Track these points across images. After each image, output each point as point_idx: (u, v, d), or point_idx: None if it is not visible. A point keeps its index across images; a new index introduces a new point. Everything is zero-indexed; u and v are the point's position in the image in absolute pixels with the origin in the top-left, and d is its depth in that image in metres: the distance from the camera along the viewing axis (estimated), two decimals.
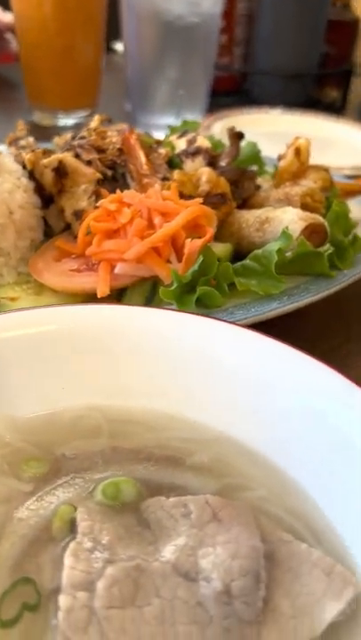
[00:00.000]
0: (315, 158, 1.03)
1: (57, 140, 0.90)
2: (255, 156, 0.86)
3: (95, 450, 0.41)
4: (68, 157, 0.68)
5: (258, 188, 0.77)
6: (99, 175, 0.68)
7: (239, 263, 0.60)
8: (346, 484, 0.37)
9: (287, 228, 0.60)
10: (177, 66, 1.13)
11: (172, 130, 0.93)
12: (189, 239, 0.57)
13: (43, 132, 1.17)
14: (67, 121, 1.28)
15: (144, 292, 0.61)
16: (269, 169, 0.85)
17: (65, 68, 1.21)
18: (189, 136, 0.78)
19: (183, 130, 0.83)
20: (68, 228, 0.72)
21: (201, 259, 0.55)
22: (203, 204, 0.66)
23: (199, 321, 0.44)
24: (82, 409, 0.44)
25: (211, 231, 0.57)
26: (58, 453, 0.41)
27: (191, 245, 0.56)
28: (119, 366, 0.44)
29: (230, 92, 1.48)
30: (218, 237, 0.68)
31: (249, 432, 0.42)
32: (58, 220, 0.72)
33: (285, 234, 0.57)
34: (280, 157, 0.74)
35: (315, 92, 1.50)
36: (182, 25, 1.09)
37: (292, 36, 1.36)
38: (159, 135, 1.14)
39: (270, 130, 1.19)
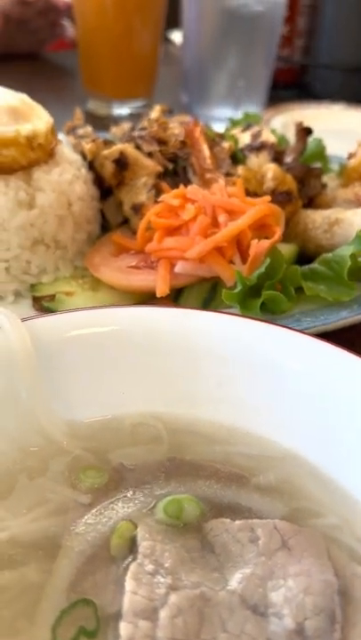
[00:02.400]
0: None
1: (115, 131, 0.88)
2: (321, 152, 0.82)
3: (155, 461, 0.39)
4: (129, 149, 0.66)
5: (324, 186, 0.73)
6: (160, 168, 0.66)
7: (307, 266, 0.56)
8: None
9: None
10: (238, 56, 1.10)
11: (234, 123, 0.89)
12: (256, 240, 0.54)
13: (97, 122, 1.16)
14: (121, 110, 1.26)
15: (203, 292, 0.58)
16: (334, 167, 0.81)
17: (122, 53, 1.19)
18: (254, 130, 0.74)
19: (246, 123, 0.80)
20: (125, 222, 0.70)
21: (268, 261, 0.52)
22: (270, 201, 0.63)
23: (267, 328, 0.41)
24: (142, 416, 0.41)
25: (279, 232, 0.54)
26: (116, 463, 0.38)
27: (258, 246, 0.53)
28: (183, 372, 0.42)
29: (289, 84, 1.44)
30: (283, 238, 0.64)
31: (318, 451, 0.39)
32: (116, 214, 0.70)
33: (359, 237, 0.54)
34: (350, 156, 0.70)
35: None
36: (246, 13, 1.05)
37: (355, 28, 1.30)
38: (218, 128, 1.11)
39: (332, 126, 1.15)
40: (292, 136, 1.02)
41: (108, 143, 0.70)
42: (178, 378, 0.42)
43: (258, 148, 0.72)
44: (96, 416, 0.42)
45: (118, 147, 0.66)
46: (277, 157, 0.73)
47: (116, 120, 1.23)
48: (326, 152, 0.83)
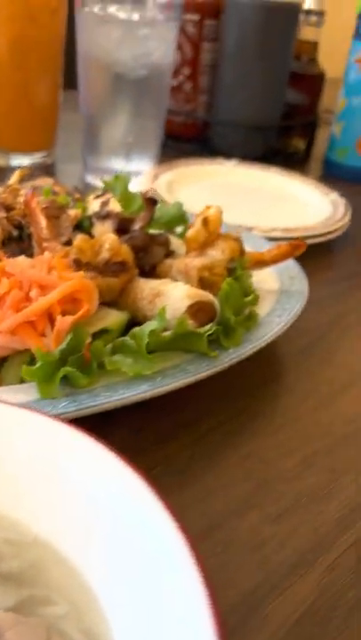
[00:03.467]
0: (260, 214, 1.04)
1: None
2: (181, 216, 0.86)
3: None
4: None
5: (170, 253, 0.76)
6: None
7: (120, 339, 0.59)
8: (149, 610, 0.36)
9: (171, 305, 0.60)
10: (126, 114, 1.14)
11: (107, 184, 0.93)
12: (62, 315, 0.56)
13: None
14: (22, 161, 1.28)
15: (22, 363, 0.59)
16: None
17: (20, 105, 1.22)
18: (104, 198, 0.77)
19: (104, 189, 0.83)
20: None
21: (70, 336, 0.54)
22: (102, 271, 0.66)
23: (12, 413, 0.42)
24: None
25: (87, 307, 0.57)
26: None
27: (62, 322, 0.55)
28: None
29: (192, 138, 1.50)
30: (119, 306, 0.67)
31: (65, 537, 0.41)
32: None
33: (161, 315, 0.57)
34: (189, 226, 0.74)
35: (279, 142, 1.51)
36: (131, 77, 1.09)
37: (252, 88, 1.37)
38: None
39: (223, 182, 1.20)
40: (176, 192, 1.06)
41: None
42: None
43: (104, 216, 0.75)
44: None
45: None
46: (125, 225, 0.76)
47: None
48: (187, 215, 0.87)
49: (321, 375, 0.72)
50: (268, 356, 0.72)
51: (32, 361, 0.59)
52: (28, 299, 0.58)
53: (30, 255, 0.72)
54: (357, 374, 0.73)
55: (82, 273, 0.59)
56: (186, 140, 1.47)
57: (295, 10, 1.32)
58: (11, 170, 1.24)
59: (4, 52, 1.14)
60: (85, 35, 1.08)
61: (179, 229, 0.84)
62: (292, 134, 1.52)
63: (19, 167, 1.22)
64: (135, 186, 1.10)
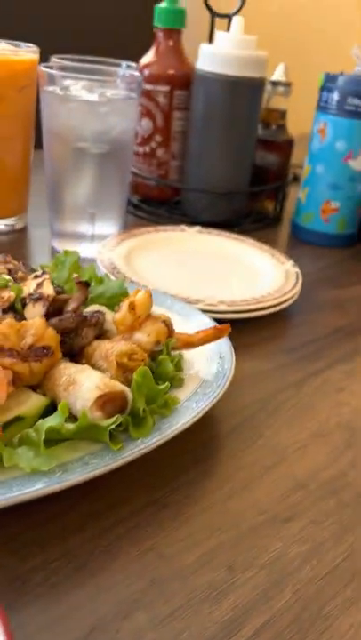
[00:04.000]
0: (212, 284, 1.06)
1: None
2: (123, 293, 0.88)
3: None
4: None
5: (104, 333, 0.78)
6: None
7: (25, 430, 0.60)
8: None
9: (81, 396, 0.61)
10: (88, 185, 1.18)
11: (56, 261, 0.96)
12: None
13: None
14: None
15: None
16: None
17: None
18: (39, 279, 0.80)
19: (43, 269, 0.85)
20: None
21: None
22: (25, 356, 0.68)
23: None
24: None
25: None
26: None
27: None
28: None
29: (166, 201, 1.54)
30: (42, 388, 0.69)
31: None
32: None
33: (62, 409, 0.58)
34: (117, 310, 0.76)
35: (249, 205, 1.54)
36: (94, 151, 1.14)
37: (219, 156, 1.41)
38: (71, 245, 1.18)
39: (182, 249, 1.23)
40: (134, 260, 1.09)
41: None
42: None
43: (36, 299, 0.77)
44: None
45: None
46: (59, 307, 0.78)
47: None
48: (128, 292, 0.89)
49: (243, 459, 0.72)
50: (191, 439, 0.73)
51: None
52: None
53: None
54: (280, 456, 0.73)
55: None
56: (158, 203, 1.51)
57: (259, 84, 1.37)
58: None
59: None
60: (48, 111, 1.13)
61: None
62: (262, 197, 1.56)
63: None
64: (94, 253, 1.13)
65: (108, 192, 1.20)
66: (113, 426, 0.59)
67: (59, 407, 0.59)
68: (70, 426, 0.59)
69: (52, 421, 0.57)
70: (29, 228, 1.38)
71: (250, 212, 1.54)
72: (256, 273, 1.14)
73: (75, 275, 0.84)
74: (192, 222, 1.39)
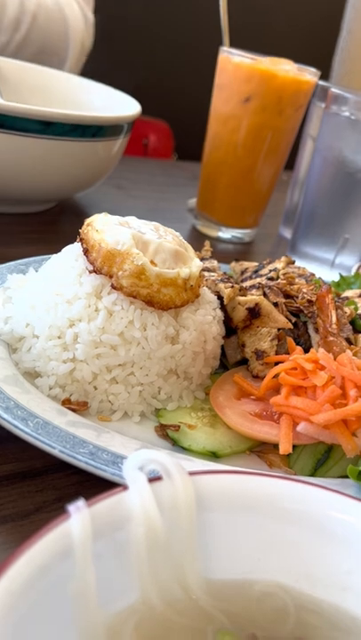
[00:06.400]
0: None
1: (234, 266, 0.95)
2: None
3: (284, 637, 0.40)
4: (265, 301, 0.72)
5: None
6: (290, 325, 0.71)
7: None
8: None
9: None
10: (348, 211, 1.18)
11: (343, 279, 0.96)
12: None
13: (202, 239, 1.25)
14: (226, 235, 1.35)
15: (317, 454, 0.61)
16: None
17: (240, 189, 1.29)
18: None
19: None
20: (241, 360, 0.75)
21: None
22: None
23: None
24: (270, 585, 0.43)
25: None
26: (248, 632, 0.40)
27: None
28: (317, 552, 0.44)
29: None
30: None
31: None
32: (235, 353, 0.75)
33: None
34: None
35: None
36: None
37: None
38: (314, 268, 1.17)
39: None
40: None
41: (242, 289, 0.76)
42: (310, 556, 0.44)
43: None
44: (227, 576, 0.44)
45: (254, 298, 0.72)
46: None
47: (219, 242, 1.32)
48: None
49: None
50: None
51: (328, 453, 0.61)
52: (344, 396, 0.59)
53: (304, 344, 0.75)
54: None
55: None
56: None
57: None
58: (213, 239, 1.31)
59: (242, 135, 1.23)
60: (328, 132, 1.14)
61: None
62: None
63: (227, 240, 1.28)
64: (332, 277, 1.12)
65: None
66: None
67: None
68: None
69: None
70: (256, 241, 1.40)
71: None
72: None
73: None
74: None
